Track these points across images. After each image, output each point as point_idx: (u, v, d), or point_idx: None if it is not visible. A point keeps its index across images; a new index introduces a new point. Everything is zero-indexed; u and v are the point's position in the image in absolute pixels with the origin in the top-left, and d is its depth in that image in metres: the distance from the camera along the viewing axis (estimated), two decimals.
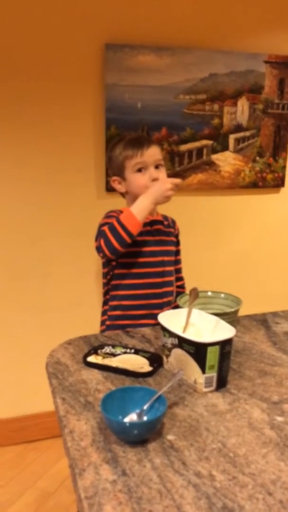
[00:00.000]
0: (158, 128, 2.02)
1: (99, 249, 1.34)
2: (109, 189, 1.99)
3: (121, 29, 1.90)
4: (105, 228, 1.32)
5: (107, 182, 1.99)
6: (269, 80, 2.16)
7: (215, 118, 2.11)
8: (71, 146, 1.95)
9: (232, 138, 2.17)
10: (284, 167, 2.28)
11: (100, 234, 1.35)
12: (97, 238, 1.38)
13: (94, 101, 1.94)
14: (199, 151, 2.12)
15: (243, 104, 2.15)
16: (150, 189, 1.36)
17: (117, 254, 1.33)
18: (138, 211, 1.31)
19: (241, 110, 2.15)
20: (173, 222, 1.60)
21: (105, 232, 1.31)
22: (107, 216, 1.45)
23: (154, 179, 1.40)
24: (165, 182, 1.35)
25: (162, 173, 1.44)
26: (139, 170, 1.41)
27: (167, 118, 2.03)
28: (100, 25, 1.87)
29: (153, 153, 1.42)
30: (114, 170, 1.48)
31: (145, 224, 1.45)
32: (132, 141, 1.43)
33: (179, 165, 2.09)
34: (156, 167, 1.43)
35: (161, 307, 1.45)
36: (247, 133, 2.19)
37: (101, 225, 1.41)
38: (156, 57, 1.96)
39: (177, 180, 1.36)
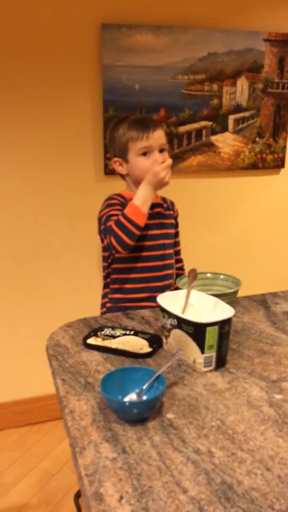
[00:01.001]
0: (156, 110, 2.00)
1: (110, 247, 1.32)
2: (108, 172, 1.98)
3: (117, 9, 1.86)
4: (112, 224, 1.31)
5: (106, 165, 1.98)
6: (269, 59, 2.13)
7: (214, 99, 2.09)
8: (68, 128, 1.93)
9: (231, 118, 2.14)
10: (284, 147, 2.26)
11: (108, 231, 1.32)
12: (105, 235, 1.34)
13: (91, 83, 1.91)
14: (198, 132, 2.10)
15: (242, 84, 2.12)
16: (146, 178, 1.34)
17: (129, 248, 1.33)
18: (141, 203, 1.31)
19: (241, 90, 2.12)
20: (172, 204, 1.59)
21: (113, 229, 1.30)
22: (108, 205, 1.41)
23: (161, 163, 1.38)
24: (156, 168, 1.32)
25: (166, 157, 1.42)
26: (144, 154, 1.39)
27: (166, 99, 2.00)
28: (96, 5, 1.84)
29: (158, 136, 1.40)
30: (115, 151, 1.44)
31: None
32: (137, 123, 1.40)
33: (178, 147, 2.08)
34: (161, 150, 1.41)
35: (162, 289, 1.46)
36: (247, 114, 2.16)
37: (104, 216, 1.38)
38: (153, 37, 1.92)
39: (167, 162, 1.34)
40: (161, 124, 2.00)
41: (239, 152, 2.19)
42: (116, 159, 1.45)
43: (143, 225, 1.32)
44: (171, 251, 1.53)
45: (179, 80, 2.01)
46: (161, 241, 1.48)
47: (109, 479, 0.68)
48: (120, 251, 1.32)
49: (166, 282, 1.49)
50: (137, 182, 1.38)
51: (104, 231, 1.35)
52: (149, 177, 1.33)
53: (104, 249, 1.48)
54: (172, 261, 1.54)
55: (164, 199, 1.56)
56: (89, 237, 1.99)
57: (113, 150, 1.46)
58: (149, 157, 1.39)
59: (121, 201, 1.42)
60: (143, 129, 1.38)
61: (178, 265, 1.61)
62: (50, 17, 1.80)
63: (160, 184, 1.33)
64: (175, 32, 1.95)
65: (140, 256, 1.44)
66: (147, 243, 1.45)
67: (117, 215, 1.34)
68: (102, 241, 1.40)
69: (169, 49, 1.96)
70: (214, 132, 2.12)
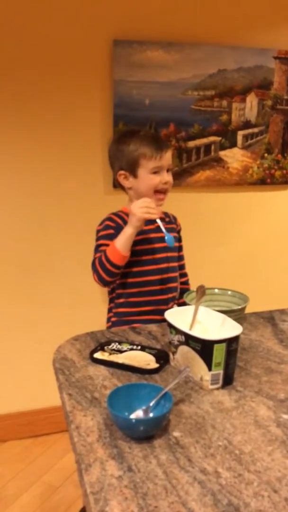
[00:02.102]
0: (166, 124, 2.01)
1: (94, 279, 1.40)
2: (116, 185, 1.99)
3: (129, 25, 1.89)
4: (96, 261, 1.38)
5: (115, 179, 1.99)
6: (278, 76, 2.14)
7: (224, 114, 2.10)
8: (79, 142, 1.95)
9: (240, 134, 2.16)
10: None
11: (92, 266, 1.40)
12: (92, 267, 1.40)
13: (102, 97, 1.93)
14: (207, 147, 2.11)
15: (251, 100, 2.13)
16: (129, 220, 1.34)
17: (111, 284, 1.44)
18: (120, 244, 1.33)
19: (250, 106, 2.14)
20: (175, 218, 1.60)
21: (95, 266, 1.38)
22: (104, 227, 1.45)
23: (166, 182, 1.43)
24: (133, 209, 1.32)
25: (171, 177, 1.45)
26: (155, 172, 1.41)
27: (175, 114, 2.02)
28: (109, 21, 1.87)
29: (168, 157, 1.43)
30: (122, 164, 1.45)
31: (148, 222, 1.46)
32: (152, 141, 1.41)
33: (186, 162, 2.09)
34: (167, 170, 1.44)
35: (167, 302, 1.46)
36: (256, 130, 2.17)
37: (96, 242, 1.45)
38: (164, 53, 1.95)
39: (145, 203, 1.32)
40: (170, 138, 2.02)
41: (247, 167, 2.19)
42: (122, 172, 1.45)
43: (123, 264, 1.35)
44: (175, 264, 1.54)
45: (189, 96, 2.03)
46: (164, 255, 1.48)
47: (115, 497, 0.68)
48: (103, 286, 1.43)
49: (170, 295, 1.50)
50: (140, 197, 1.40)
51: (92, 263, 1.41)
52: (131, 219, 1.33)
53: None
54: (176, 274, 1.54)
55: (166, 214, 1.57)
56: None
57: (120, 163, 1.46)
58: (159, 175, 1.41)
59: (118, 223, 1.44)
60: (157, 149, 1.39)
61: (183, 280, 1.61)
62: (64, 32, 1.83)
63: (138, 223, 1.32)
64: (186, 48, 1.97)
65: (143, 270, 1.45)
66: (150, 257, 1.45)
67: (105, 244, 1.39)
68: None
69: (180, 65, 1.98)
70: (223, 148, 2.14)
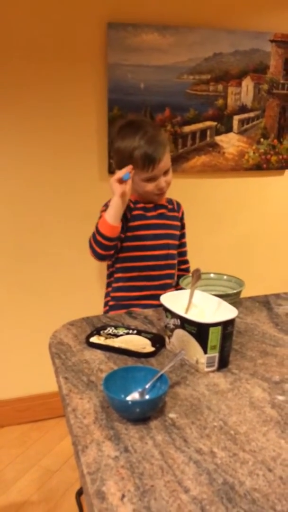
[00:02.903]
0: (161, 109, 2.00)
1: (91, 255, 1.39)
2: (112, 171, 1.98)
3: (123, 8, 1.86)
4: (91, 237, 1.37)
5: (110, 164, 1.98)
6: (275, 60, 2.12)
7: (219, 99, 2.08)
8: (73, 127, 1.93)
9: (236, 119, 2.14)
10: None
11: (89, 242, 1.39)
12: (88, 243, 1.40)
13: (96, 81, 1.91)
14: (203, 132, 2.10)
15: (247, 85, 2.11)
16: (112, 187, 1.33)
17: (106, 258, 1.40)
18: (108, 215, 1.32)
19: (246, 90, 2.12)
20: (178, 205, 1.59)
21: (90, 242, 1.37)
22: (105, 208, 1.43)
23: (161, 188, 1.42)
24: (110, 182, 1.31)
25: (169, 177, 1.43)
26: (149, 180, 1.40)
27: (170, 99, 2.00)
28: (102, 4, 1.83)
29: (163, 165, 1.39)
30: (119, 164, 1.41)
31: (149, 209, 1.46)
32: (146, 149, 1.35)
33: (182, 147, 2.08)
34: (165, 172, 1.42)
35: (163, 288, 1.47)
36: (252, 114, 2.16)
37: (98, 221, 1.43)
38: (159, 36, 1.92)
39: (116, 175, 1.31)
40: (165, 123, 2.00)
41: (243, 152, 2.18)
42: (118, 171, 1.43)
43: (113, 235, 1.32)
44: (174, 251, 1.54)
45: (184, 80, 2.01)
46: (165, 241, 1.48)
47: (111, 477, 0.69)
48: (99, 261, 1.40)
49: (168, 281, 1.50)
50: (139, 194, 1.41)
51: (88, 241, 1.40)
52: (111, 187, 1.32)
53: None
54: (175, 261, 1.55)
55: (170, 201, 1.56)
56: None
57: (117, 161, 1.43)
58: (153, 182, 1.40)
59: None
60: (150, 161, 1.35)
61: (184, 267, 1.62)
62: (56, 15, 1.80)
63: (117, 198, 1.30)
64: (181, 32, 1.95)
65: (143, 255, 1.45)
66: (150, 242, 1.45)
67: None
68: None
69: (175, 49, 1.96)
70: (218, 133, 2.12)
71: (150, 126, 1.43)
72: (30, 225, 1.98)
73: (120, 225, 1.34)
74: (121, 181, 1.30)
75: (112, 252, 1.38)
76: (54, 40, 1.82)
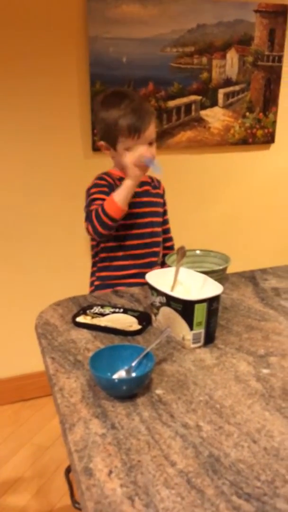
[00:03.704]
0: (144, 83, 1.96)
1: (88, 232, 1.38)
2: (96, 148, 1.95)
3: None
4: (92, 212, 1.35)
5: (94, 142, 1.95)
6: (259, 31, 2.08)
7: (204, 72, 2.05)
8: (54, 103, 1.89)
9: (221, 93, 2.11)
10: (275, 122, 2.24)
11: (87, 217, 1.37)
12: (85, 219, 1.39)
13: (77, 56, 1.86)
14: (188, 107, 2.07)
15: (232, 57, 2.08)
16: (126, 173, 1.33)
17: (104, 237, 1.39)
18: (118, 197, 1.32)
19: (230, 63, 2.08)
20: (159, 182, 1.58)
21: (91, 218, 1.35)
22: (95, 184, 1.42)
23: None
24: (128, 165, 1.32)
25: (153, 149, 1.40)
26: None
27: (154, 73, 1.96)
28: None
29: (150, 133, 1.37)
30: (103, 134, 1.39)
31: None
32: (131, 116, 1.32)
33: (167, 122, 2.05)
34: (150, 143, 1.39)
35: (149, 266, 1.46)
36: (237, 88, 2.13)
37: (89, 197, 1.41)
38: (141, 7, 1.87)
39: (135, 158, 1.32)
40: (149, 98, 1.96)
41: (229, 127, 2.16)
42: (102, 142, 1.41)
43: (120, 217, 1.34)
44: (159, 229, 1.53)
45: (168, 53, 1.96)
46: (149, 219, 1.47)
47: (99, 454, 0.69)
48: (96, 238, 1.40)
49: (153, 259, 1.50)
50: (122, 168, 1.39)
51: (85, 216, 1.39)
52: (129, 171, 1.32)
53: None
54: (160, 239, 1.54)
55: (151, 178, 1.54)
56: (78, 215, 1.96)
57: (101, 132, 1.41)
58: (135, 151, 1.35)
59: (109, 182, 1.42)
60: (136, 128, 1.33)
61: (168, 244, 1.61)
62: None
63: (136, 180, 1.33)
64: (164, 2, 1.89)
65: (129, 234, 1.44)
66: (136, 221, 1.44)
67: (100, 199, 1.36)
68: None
69: (157, 21, 1.91)
70: (203, 107, 2.09)
71: (135, 95, 1.42)
72: (14, 204, 1.95)
73: (127, 208, 1.35)
74: (140, 164, 1.31)
75: (112, 232, 1.37)
76: (31, 12, 1.76)
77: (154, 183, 1.55)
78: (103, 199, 1.35)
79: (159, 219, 1.53)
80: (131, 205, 1.42)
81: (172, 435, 0.73)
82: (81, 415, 0.78)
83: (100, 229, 1.33)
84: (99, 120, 1.41)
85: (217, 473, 0.66)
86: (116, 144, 1.37)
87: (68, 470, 1.00)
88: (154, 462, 0.68)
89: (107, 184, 1.41)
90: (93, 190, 1.41)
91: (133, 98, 1.37)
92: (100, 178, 1.44)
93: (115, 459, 0.68)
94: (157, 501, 0.61)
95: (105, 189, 1.40)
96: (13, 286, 2.04)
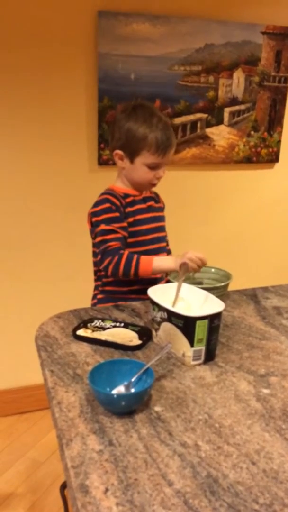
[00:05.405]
0: (151, 100, 1.97)
1: (102, 263, 1.34)
2: (102, 162, 1.97)
3: None
4: (123, 258, 1.31)
5: (100, 155, 1.96)
6: (266, 52, 2.11)
7: (210, 91, 2.07)
8: (63, 117, 1.91)
9: (227, 111, 2.13)
10: (279, 142, 2.25)
11: (110, 254, 1.33)
12: (102, 253, 1.34)
13: (86, 71, 1.89)
14: (193, 124, 2.09)
15: (239, 77, 2.10)
16: (180, 256, 1.30)
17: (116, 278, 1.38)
18: (156, 268, 1.32)
19: (237, 82, 2.11)
20: (158, 196, 1.58)
21: (119, 261, 1.31)
22: (103, 210, 1.37)
23: (158, 178, 1.40)
24: (192, 257, 1.28)
25: (164, 171, 1.41)
26: (152, 167, 1.37)
27: (161, 90, 1.98)
28: None
29: (171, 154, 1.38)
30: (123, 144, 1.36)
31: (138, 202, 1.43)
32: (162, 134, 1.32)
33: None
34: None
35: (155, 282, 1.45)
36: (242, 107, 2.15)
37: (100, 227, 1.36)
38: (150, 26, 1.90)
39: (202, 258, 1.30)
40: None
41: (233, 145, 2.18)
42: (119, 151, 1.38)
43: (141, 278, 1.34)
44: (164, 244, 1.53)
45: (175, 71, 1.99)
46: (154, 235, 1.47)
47: (95, 471, 0.68)
48: (109, 275, 1.36)
49: (158, 275, 1.49)
50: (130, 181, 1.39)
51: (104, 251, 1.34)
52: (184, 258, 1.28)
53: (95, 245, 1.46)
54: (165, 254, 1.54)
55: (154, 193, 1.55)
56: (81, 227, 1.97)
57: (121, 140, 1.37)
58: (154, 171, 1.37)
59: (117, 204, 1.38)
60: (165, 147, 1.33)
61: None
62: (46, 3, 1.77)
63: (186, 270, 1.29)
64: (173, 22, 1.92)
65: (134, 251, 1.43)
66: (143, 238, 1.43)
67: (115, 232, 1.34)
68: (94, 239, 1.40)
69: (166, 39, 1.94)
70: (209, 125, 2.11)
71: (161, 113, 1.42)
72: (17, 214, 1.96)
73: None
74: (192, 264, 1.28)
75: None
76: (43, 28, 1.79)
77: (156, 198, 1.55)
78: (117, 232, 1.34)
79: (164, 234, 1.53)
80: (136, 222, 1.42)
81: (170, 454, 0.72)
82: (79, 430, 0.77)
83: (120, 275, 1.32)
84: (123, 130, 1.36)
85: (214, 495, 0.65)
86: (136, 156, 1.36)
87: (63, 486, 0.98)
88: (151, 481, 0.67)
89: (115, 208, 1.37)
90: (104, 216, 1.36)
91: (161, 116, 1.38)
92: (105, 200, 1.39)
93: (111, 477, 0.67)
94: None
95: (116, 214, 1.36)
96: (13, 297, 2.04)
